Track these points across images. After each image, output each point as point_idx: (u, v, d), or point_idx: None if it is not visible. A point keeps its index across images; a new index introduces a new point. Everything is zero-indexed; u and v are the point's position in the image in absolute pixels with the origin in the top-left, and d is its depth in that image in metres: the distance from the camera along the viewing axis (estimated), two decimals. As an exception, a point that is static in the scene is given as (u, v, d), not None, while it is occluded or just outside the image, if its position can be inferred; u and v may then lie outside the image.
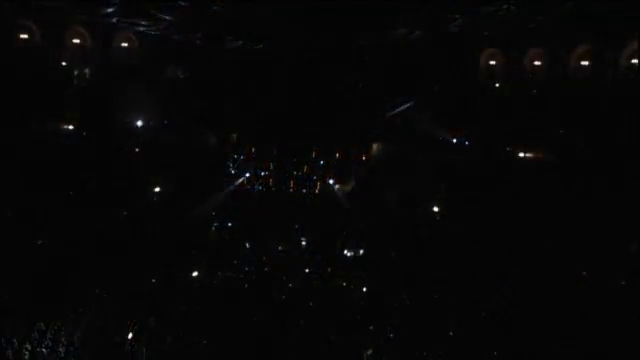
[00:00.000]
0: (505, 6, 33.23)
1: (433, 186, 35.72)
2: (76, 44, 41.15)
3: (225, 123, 39.40)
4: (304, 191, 38.13)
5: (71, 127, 38.28)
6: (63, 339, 23.69)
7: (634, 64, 36.66)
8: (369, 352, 23.37)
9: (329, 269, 34.02)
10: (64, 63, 40.97)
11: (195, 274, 30.63)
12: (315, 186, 38.57)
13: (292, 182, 38.66)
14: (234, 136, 40.17)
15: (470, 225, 32.53)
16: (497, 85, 40.78)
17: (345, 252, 35.85)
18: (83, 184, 34.07)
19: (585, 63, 38.41)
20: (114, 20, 36.62)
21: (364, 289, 30.09)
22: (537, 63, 39.89)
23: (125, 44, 41.83)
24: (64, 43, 40.76)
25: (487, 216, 32.42)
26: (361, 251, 35.58)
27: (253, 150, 39.81)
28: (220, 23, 37.49)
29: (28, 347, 22.93)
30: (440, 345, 23.84)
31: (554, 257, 28.56)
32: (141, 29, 39.12)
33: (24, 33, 39.57)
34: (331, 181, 39.27)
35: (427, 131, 37.31)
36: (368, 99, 39.06)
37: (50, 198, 32.11)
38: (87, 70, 41.01)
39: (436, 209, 35.22)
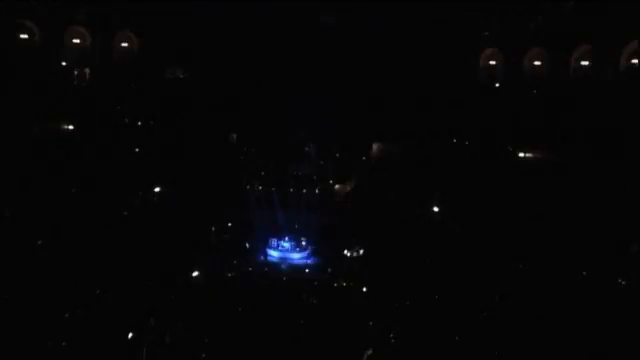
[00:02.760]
0: None
1: (433, 186, 35.74)
2: (76, 44, 41.23)
3: (225, 123, 39.50)
4: (304, 191, 38.17)
5: (71, 127, 38.33)
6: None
7: (634, 64, 36.72)
8: (369, 352, 23.39)
9: (329, 269, 34.06)
10: (64, 63, 41.04)
11: (195, 274, 30.68)
12: (315, 186, 38.59)
13: (292, 182, 38.74)
14: (234, 136, 40.24)
15: (470, 225, 32.55)
16: (497, 85, 40.85)
17: (345, 252, 35.88)
18: (83, 184, 34.09)
19: (585, 63, 38.48)
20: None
21: (364, 289, 30.14)
22: (537, 63, 39.95)
23: (125, 44, 41.91)
24: (64, 43, 40.83)
25: (487, 216, 32.44)
26: (361, 251, 35.61)
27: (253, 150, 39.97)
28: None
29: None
30: (440, 345, 23.87)
31: (554, 256, 28.59)
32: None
33: (24, 33, 39.63)
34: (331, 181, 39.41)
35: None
36: (368, 99, 39.11)
37: (50, 198, 32.13)
38: (87, 70, 41.08)
39: (436, 209, 35.23)
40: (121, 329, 23.32)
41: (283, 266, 35.69)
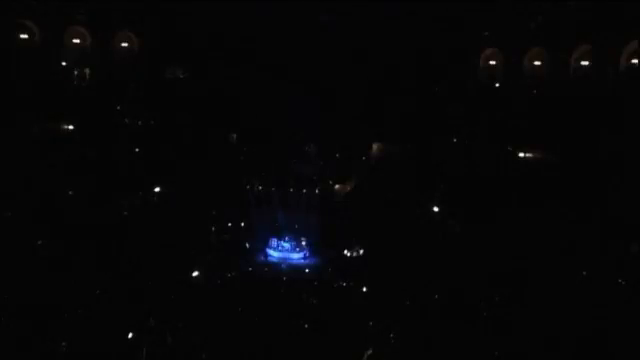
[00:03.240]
0: None
1: (433, 186, 35.74)
2: (76, 44, 41.25)
3: (225, 123, 39.48)
4: (304, 191, 38.17)
5: (71, 127, 38.34)
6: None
7: (634, 64, 36.73)
8: (369, 352, 23.39)
9: (329, 269, 34.05)
10: (64, 63, 41.05)
11: (195, 274, 30.68)
12: (315, 186, 38.59)
13: (292, 182, 38.73)
14: (234, 136, 40.25)
15: (470, 225, 32.55)
16: (497, 85, 40.88)
17: (345, 252, 35.88)
18: (83, 184, 34.09)
19: (585, 63, 38.50)
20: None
21: (364, 289, 30.15)
22: (537, 63, 39.97)
23: (125, 44, 41.93)
24: (64, 43, 40.85)
25: (487, 216, 32.44)
26: (361, 251, 35.61)
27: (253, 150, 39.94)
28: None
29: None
30: (440, 345, 23.87)
31: (554, 256, 28.59)
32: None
33: (24, 33, 39.65)
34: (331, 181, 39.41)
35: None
36: (368, 99, 39.11)
37: (50, 198, 32.14)
38: (87, 70, 41.11)
39: (436, 209, 35.23)
40: (121, 329, 23.33)
41: (283, 266, 35.69)
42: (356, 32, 38.83)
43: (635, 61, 36.54)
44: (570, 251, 28.73)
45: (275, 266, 35.74)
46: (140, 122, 38.83)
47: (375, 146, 39.46)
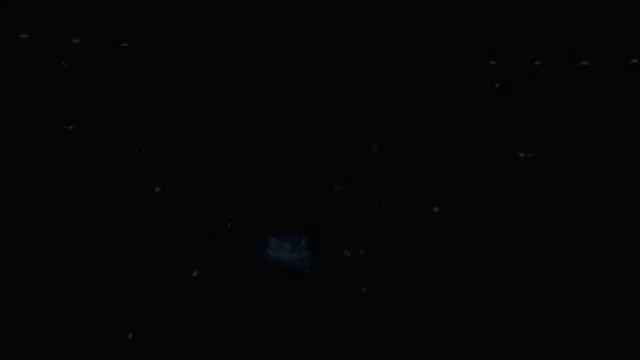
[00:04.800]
0: None
1: (433, 186, 35.84)
2: (76, 44, 41.50)
3: (225, 122, 39.60)
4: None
5: (71, 127, 38.49)
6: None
7: (634, 64, 36.90)
8: (369, 350, 23.57)
9: (329, 269, 34.15)
10: (64, 63, 41.27)
11: (195, 274, 30.85)
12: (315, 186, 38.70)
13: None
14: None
15: (470, 225, 32.71)
16: (497, 85, 41.03)
17: (345, 252, 35.97)
18: (83, 184, 34.25)
19: (585, 63, 38.68)
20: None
21: (364, 289, 30.30)
22: (537, 63, 40.14)
23: (125, 44, 42.15)
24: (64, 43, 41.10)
25: (487, 216, 32.61)
26: (361, 251, 35.69)
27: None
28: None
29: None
30: (440, 345, 24.10)
31: (554, 257, 28.81)
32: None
33: (24, 33, 39.85)
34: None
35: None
36: (368, 99, 39.22)
37: (50, 198, 32.34)
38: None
39: (436, 209, 35.31)
40: (121, 329, 23.55)
41: (283, 266, 35.82)
42: (355, 32, 38.99)
43: (635, 61, 36.73)
44: (570, 251, 28.97)
45: (275, 266, 35.88)
46: (140, 122, 39.01)
47: (375, 146, 39.57)
